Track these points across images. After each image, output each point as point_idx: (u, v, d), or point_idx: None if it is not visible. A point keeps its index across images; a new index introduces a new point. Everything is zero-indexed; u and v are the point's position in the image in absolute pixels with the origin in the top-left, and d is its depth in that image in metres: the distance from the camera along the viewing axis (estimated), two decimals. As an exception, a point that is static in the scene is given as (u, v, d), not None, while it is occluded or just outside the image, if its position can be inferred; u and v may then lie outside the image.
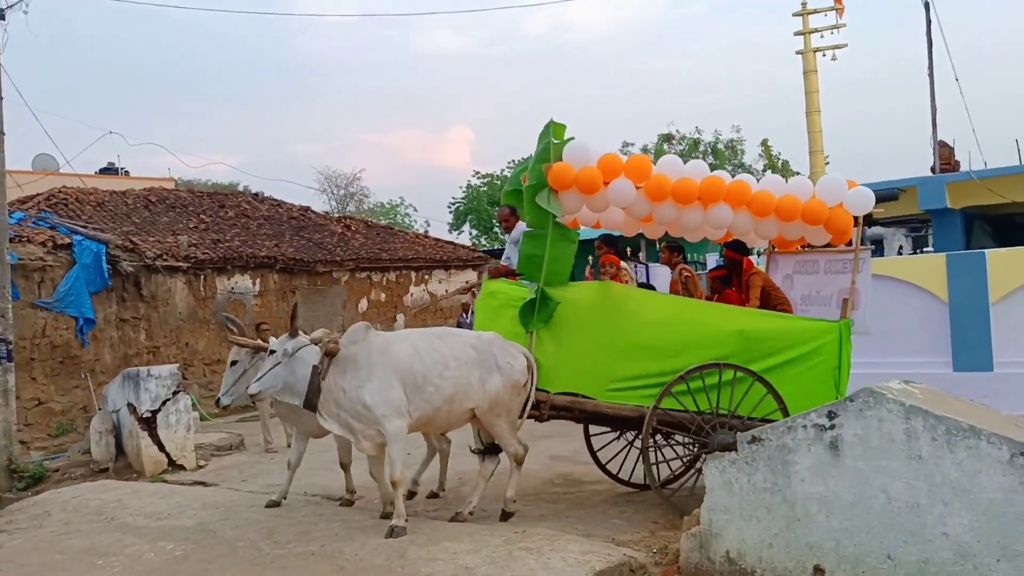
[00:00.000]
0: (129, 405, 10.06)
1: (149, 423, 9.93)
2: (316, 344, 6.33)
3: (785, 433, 4.94)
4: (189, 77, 75.02)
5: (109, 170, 28.01)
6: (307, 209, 21.39)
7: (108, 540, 6.74)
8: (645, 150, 37.75)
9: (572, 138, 7.05)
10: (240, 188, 27.69)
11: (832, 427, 4.78)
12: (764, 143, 24.59)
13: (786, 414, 6.70)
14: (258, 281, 16.28)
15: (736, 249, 7.97)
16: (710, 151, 37.84)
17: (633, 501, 7.51)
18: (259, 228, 18.16)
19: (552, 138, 7.01)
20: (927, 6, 20.40)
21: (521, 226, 7.59)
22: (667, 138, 37.85)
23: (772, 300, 7.66)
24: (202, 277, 15.39)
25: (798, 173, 23.81)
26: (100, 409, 10.98)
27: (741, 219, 7.30)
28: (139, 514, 7.42)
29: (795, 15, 19.79)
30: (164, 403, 10.07)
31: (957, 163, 20.26)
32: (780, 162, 24.18)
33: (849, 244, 7.76)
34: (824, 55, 19.63)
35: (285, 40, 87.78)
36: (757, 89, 61.38)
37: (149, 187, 19.27)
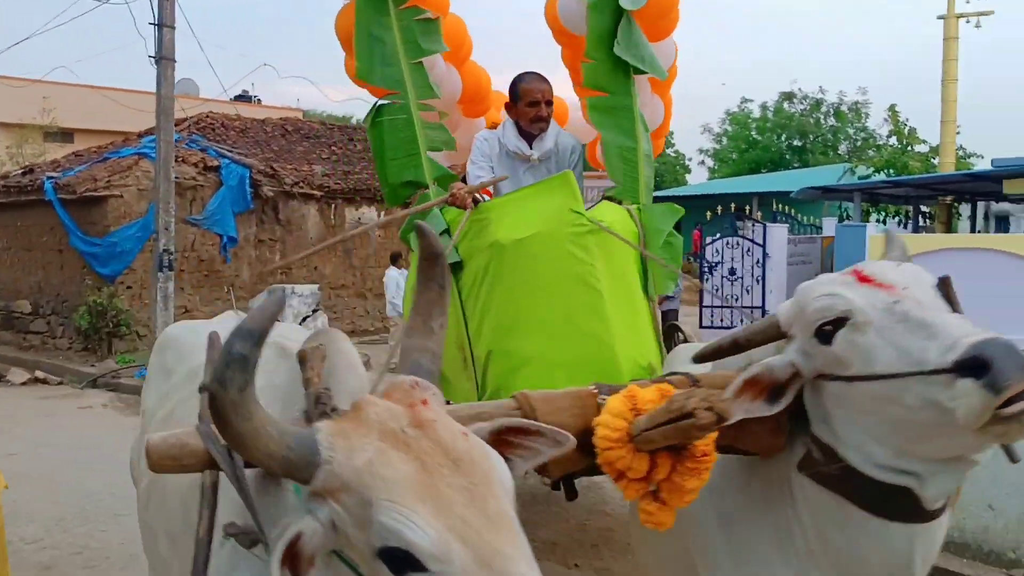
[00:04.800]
0: (273, 319, 11.02)
1: (290, 337, 10.73)
2: None
3: None
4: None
5: (243, 97, 29.42)
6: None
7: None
8: (764, 108, 36.98)
9: None
10: (353, 121, 28.57)
11: None
12: (891, 108, 23.82)
13: None
14: (382, 213, 17.08)
15: None
16: (832, 113, 36.81)
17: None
18: (385, 163, 18.96)
19: None
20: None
21: (557, 129, 4.32)
22: (788, 96, 36.93)
23: None
24: (333, 206, 16.26)
25: (925, 142, 23.09)
26: (244, 320, 11.93)
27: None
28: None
29: (940, -23, 19.09)
30: (304, 319, 10.96)
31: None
32: (907, 128, 23.43)
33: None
34: (968, 21, 18.91)
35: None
36: (890, 52, 58.84)
37: (283, 117, 20.26)
